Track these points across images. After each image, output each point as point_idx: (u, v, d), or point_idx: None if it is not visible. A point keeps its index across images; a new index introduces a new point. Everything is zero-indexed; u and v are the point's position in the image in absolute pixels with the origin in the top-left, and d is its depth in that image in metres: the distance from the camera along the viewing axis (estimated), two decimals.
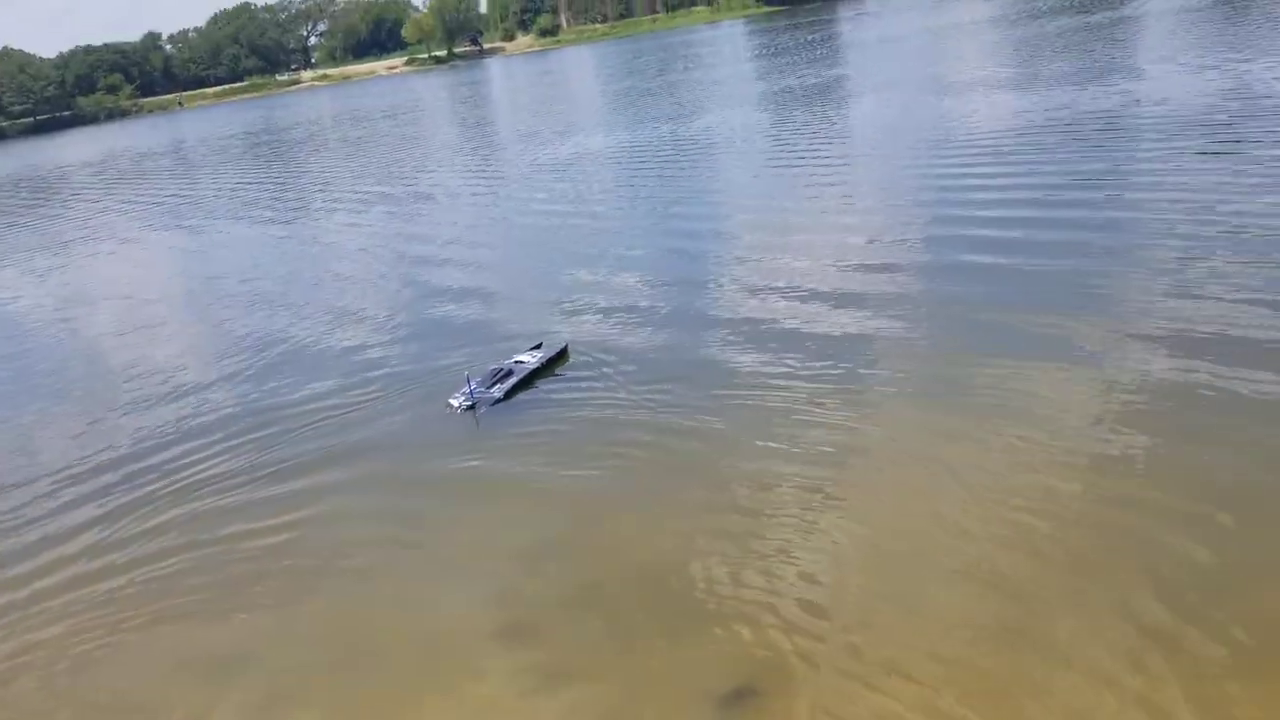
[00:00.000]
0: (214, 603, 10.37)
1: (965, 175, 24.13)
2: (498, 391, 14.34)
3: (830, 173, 27.88)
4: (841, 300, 16.51)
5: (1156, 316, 13.43)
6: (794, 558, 9.42)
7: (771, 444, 11.71)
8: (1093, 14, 63.33)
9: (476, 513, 11.54)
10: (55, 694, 9.34)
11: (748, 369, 14.15)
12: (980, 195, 21.69)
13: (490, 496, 11.85)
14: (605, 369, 14.96)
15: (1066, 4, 74.76)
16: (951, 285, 16.40)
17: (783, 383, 13.42)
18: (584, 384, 14.59)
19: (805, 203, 24.62)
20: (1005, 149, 26.25)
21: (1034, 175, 22.67)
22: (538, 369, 15.02)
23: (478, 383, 14.54)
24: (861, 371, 13.51)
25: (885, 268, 17.92)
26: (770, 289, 17.82)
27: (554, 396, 14.37)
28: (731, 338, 15.66)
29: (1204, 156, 21.60)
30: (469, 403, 14.14)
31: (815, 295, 17.03)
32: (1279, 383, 11.09)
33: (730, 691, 7.78)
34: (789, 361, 14.16)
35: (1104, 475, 9.97)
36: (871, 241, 19.85)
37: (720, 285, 18.78)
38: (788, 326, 15.65)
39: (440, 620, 9.45)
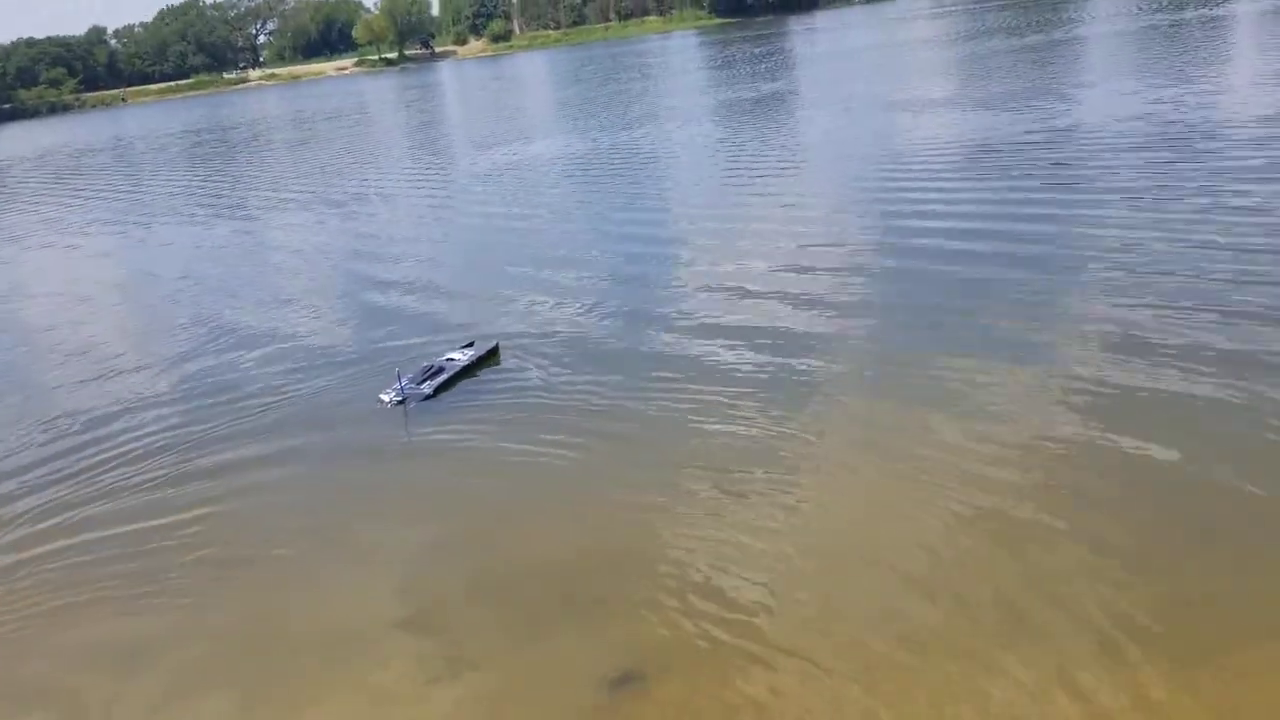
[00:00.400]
0: (127, 591, 10.54)
1: (907, 188, 24.88)
2: (427, 388, 14.72)
3: (773, 183, 28.54)
4: (776, 304, 17.16)
5: (1089, 324, 14.18)
6: (698, 553, 9.81)
7: (692, 442, 12.19)
8: (1027, 36, 64.77)
9: (392, 506, 11.85)
10: None
11: (679, 370, 14.65)
12: (920, 207, 22.39)
13: (408, 491, 12.18)
14: (535, 369, 15.41)
15: (1003, 26, 76.41)
16: (887, 289, 17.28)
17: (712, 383, 13.95)
18: (513, 383, 15.05)
19: (748, 211, 25.16)
20: (945, 164, 27.06)
21: (972, 191, 23.48)
22: (468, 366, 15.45)
23: (409, 379, 14.90)
24: (792, 372, 14.10)
25: (823, 273, 18.61)
26: (707, 293, 18.36)
27: (482, 394, 14.81)
28: (665, 339, 16.17)
29: (1136, 174, 22.37)
30: (399, 398, 14.53)
31: (750, 298, 17.65)
32: (1211, 381, 11.77)
33: (619, 675, 8.18)
34: (720, 362, 14.75)
35: (1031, 470, 10.53)
36: (811, 248, 20.48)
37: (658, 289, 19.28)
38: (723, 328, 16.18)
39: (347, 611, 9.72)
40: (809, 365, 14.29)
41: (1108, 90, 36.57)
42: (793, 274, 18.83)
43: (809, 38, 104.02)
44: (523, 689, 8.27)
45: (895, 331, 15.29)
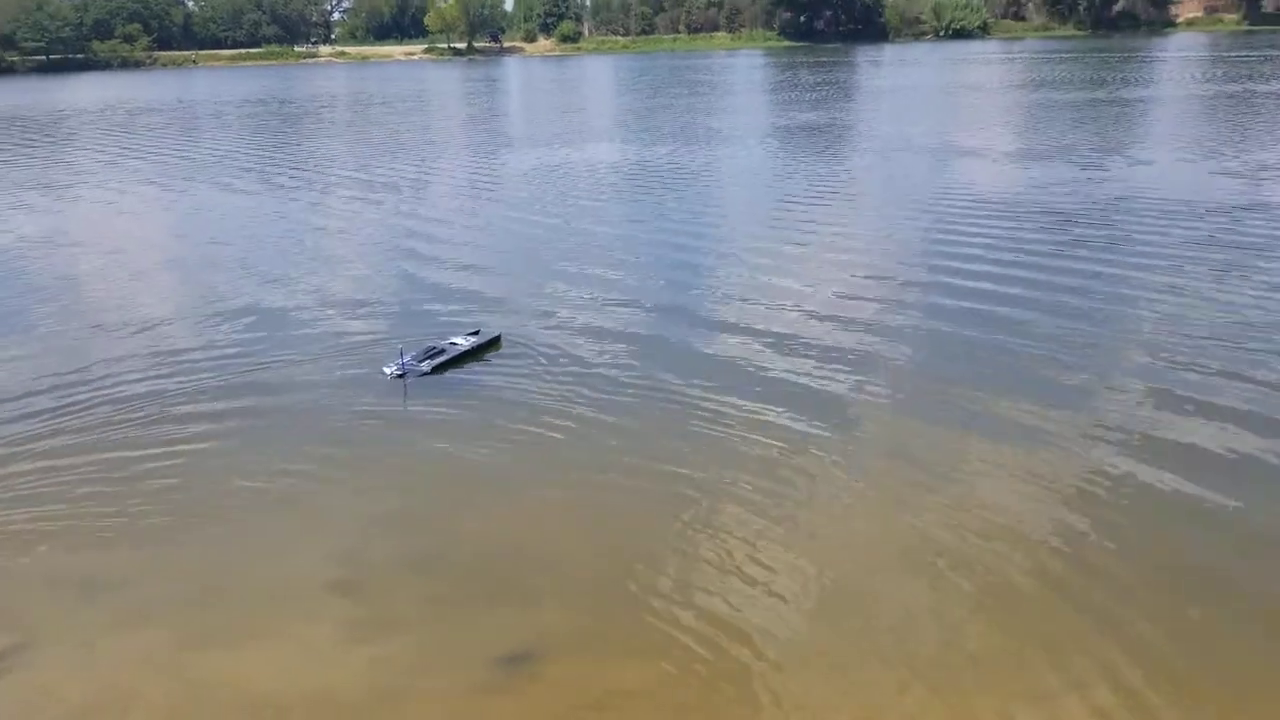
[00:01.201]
0: (92, 524, 11.26)
1: (955, 229, 24.86)
2: (426, 366, 15.62)
3: (820, 209, 28.60)
4: (808, 324, 17.52)
5: (1127, 377, 14.31)
6: (634, 546, 10.44)
7: (679, 446, 12.70)
8: (1093, 91, 64.31)
9: (360, 473, 12.48)
10: None
11: (685, 377, 15.02)
12: (968, 260, 21.56)
13: (381, 460, 12.85)
14: (536, 362, 16.08)
15: (1069, 79, 75.92)
16: (925, 322, 17.51)
17: (721, 394, 14.29)
18: (511, 372, 15.72)
19: (789, 233, 25.31)
20: (995, 211, 26.94)
21: (1021, 239, 23.23)
22: (469, 351, 16.31)
23: (411, 356, 15.79)
24: (815, 391, 14.44)
25: (859, 299, 18.81)
26: (736, 310, 18.63)
27: (479, 378, 15.55)
28: (677, 348, 16.62)
29: (1200, 247, 22.04)
30: (399, 372, 15.37)
31: (782, 317, 17.93)
32: (1231, 492, 11.28)
33: (510, 655, 8.86)
34: (737, 376, 15.12)
35: (1056, 507, 10.90)
36: (850, 275, 20.72)
37: (682, 300, 19.59)
38: (740, 356, 16.18)
39: (289, 566, 10.47)
40: (831, 384, 14.66)
41: (1168, 155, 36.45)
42: (828, 298, 19.07)
43: (874, 70, 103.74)
44: (433, 658, 8.95)
45: (927, 362, 15.60)
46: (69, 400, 14.90)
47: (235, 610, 9.68)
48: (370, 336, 17.76)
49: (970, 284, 19.57)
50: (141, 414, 14.28)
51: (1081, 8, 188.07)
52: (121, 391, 15.23)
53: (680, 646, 8.81)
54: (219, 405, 14.58)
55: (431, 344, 16.44)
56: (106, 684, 8.70)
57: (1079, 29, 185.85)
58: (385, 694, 8.45)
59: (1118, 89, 65.68)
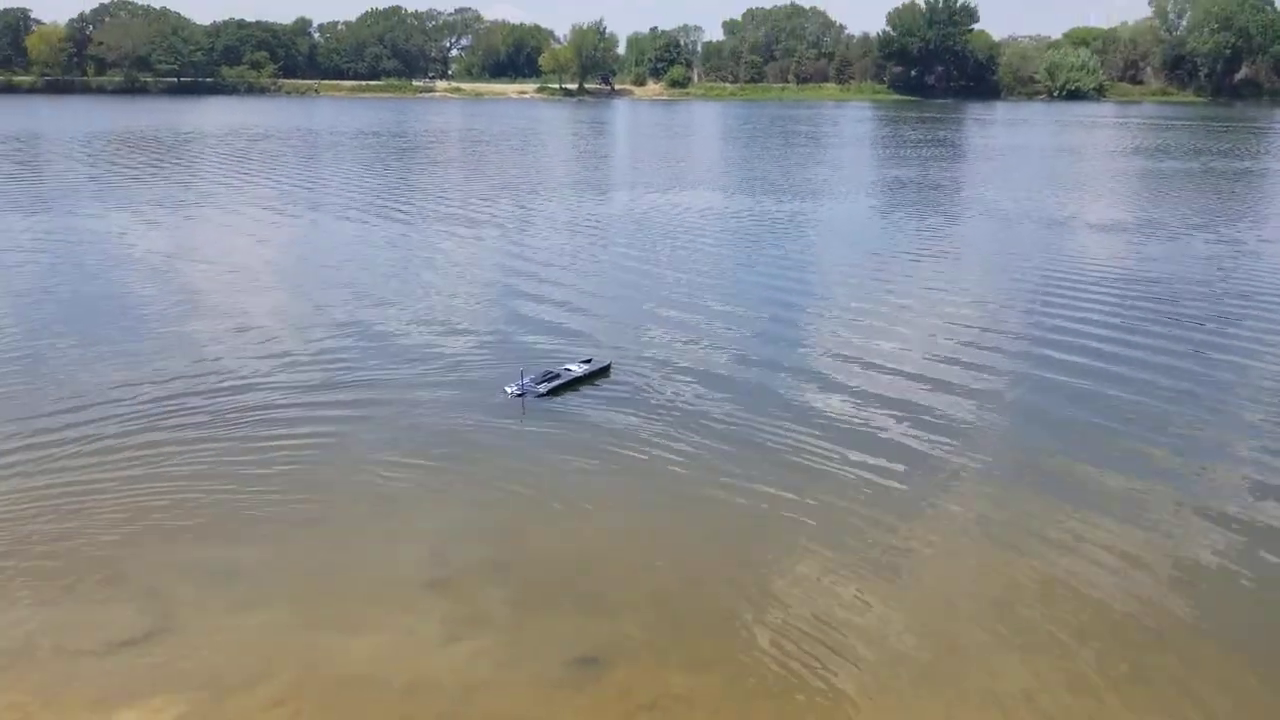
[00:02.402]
0: (228, 520, 12.59)
1: (1060, 297, 24.68)
2: (543, 388, 17.21)
3: (924, 268, 28.95)
4: (903, 381, 18.07)
5: (1222, 496, 13.56)
6: (709, 570, 11.35)
7: (752, 490, 13.44)
8: (1209, 160, 63.16)
9: (470, 481, 13.85)
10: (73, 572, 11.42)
11: (766, 429, 15.71)
12: (1068, 332, 21.43)
13: (490, 470, 14.19)
14: (643, 391, 17.50)
15: (1185, 146, 74.53)
16: (1024, 390, 17.77)
17: (799, 450, 14.85)
18: (620, 399, 17.13)
19: (891, 290, 25.81)
20: (1102, 281, 26.71)
21: (1131, 322, 22.45)
22: (581, 377, 17.86)
23: (530, 378, 17.38)
24: (908, 447, 14.95)
25: (959, 363, 19.05)
26: (834, 359, 19.36)
27: (589, 403, 16.97)
28: (776, 389, 17.49)
29: None
30: (519, 392, 16.98)
31: (879, 370, 18.45)
32: None
33: (581, 657, 9.87)
34: (832, 422, 15.87)
35: (1144, 588, 11.04)
36: (951, 337, 20.99)
37: (781, 345, 20.50)
38: (832, 407, 16.83)
39: (395, 563, 11.65)
40: (919, 441, 15.10)
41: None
42: (924, 358, 19.36)
43: (983, 129, 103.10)
44: (514, 654, 9.93)
45: (1021, 429, 15.90)
46: (208, 401, 16.52)
47: (347, 599, 10.84)
48: (483, 359, 19.35)
49: (1070, 357, 19.45)
50: (269, 417, 15.93)
51: (1202, 74, 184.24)
52: (248, 399, 16.77)
53: (736, 663, 9.67)
54: (340, 411, 16.28)
55: (548, 369, 17.93)
56: (234, 660, 9.81)
57: (1198, 95, 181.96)
58: (470, 684, 9.47)
59: (1237, 160, 64.48)
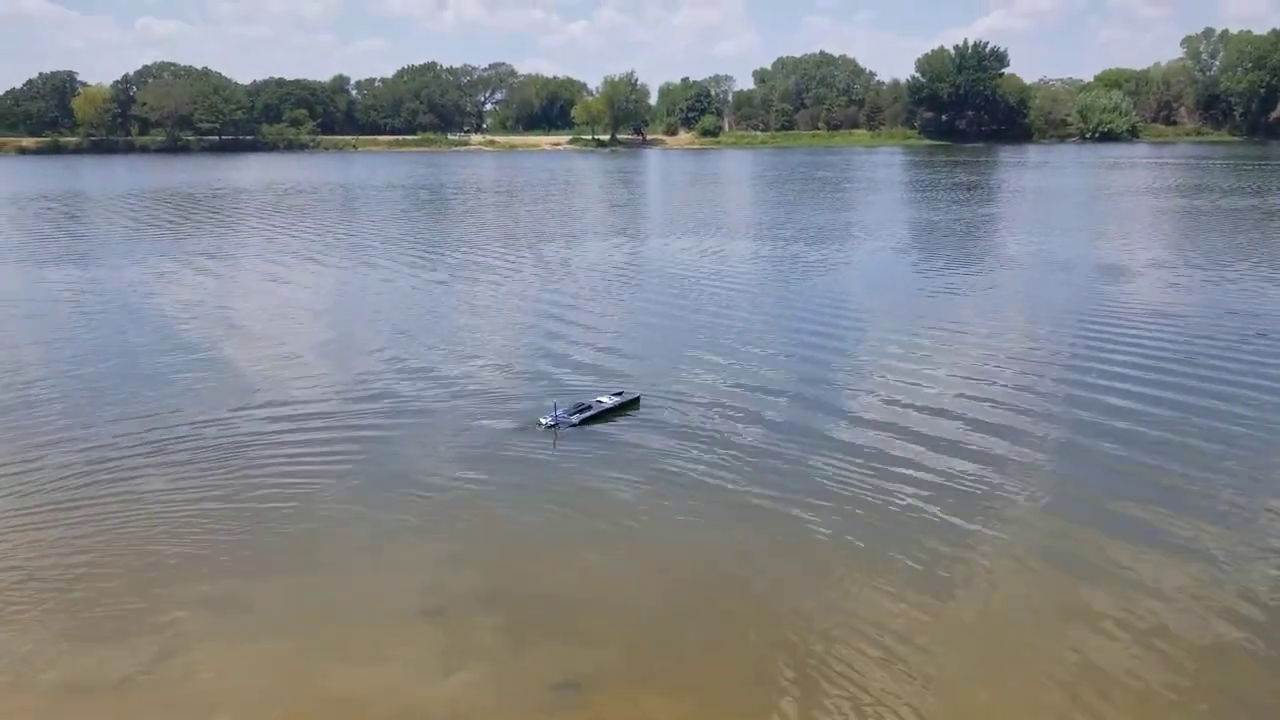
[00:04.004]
0: (232, 552, 12.82)
1: (1100, 340, 23.86)
2: (576, 419, 17.73)
3: (960, 311, 28.11)
4: (941, 422, 17.67)
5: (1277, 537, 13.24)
6: (712, 603, 11.44)
7: (774, 522, 13.55)
8: (1247, 199, 62.43)
9: (486, 516, 14.04)
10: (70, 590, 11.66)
11: (794, 464, 15.71)
12: (1111, 376, 20.68)
13: (516, 499, 14.53)
14: (672, 424, 17.80)
15: (1222, 187, 73.90)
16: (1064, 433, 17.16)
17: (828, 487, 14.73)
18: (647, 430, 17.54)
19: (927, 333, 24.97)
20: (1150, 329, 25.31)
21: (1176, 364, 21.59)
22: (612, 408, 18.35)
23: (563, 410, 17.90)
24: (946, 489, 14.58)
25: (997, 419, 17.94)
26: (859, 412, 18.53)
27: (619, 434, 17.39)
28: (794, 439, 17.02)
29: None
30: (552, 423, 17.52)
31: (901, 428, 17.45)
32: None
33: (560, 682, 10.02)
34: (848, 473, 15.33)
35: (1190, 652, 10.44)
36: (988, 380, 20.44)
37: (812, 385, 20.34)
38: (864, 445, 16.55)
39: (397, 594, 11.81)
40: (964, 484, 14.75)
41: None
42: (959, 400, 18.92)
43: (1016, 172, 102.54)
44: (503, 681, 10.10)
45: (1068, 470, 15.45)
46: (233, 436, 17.00)
47: (349, 629, 11.04)
48: (518, 392, 19.98)
49: (1115, 400, 18.81)
50: (291, 452, 16.44)
51: (1237, 113, 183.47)
52: (254, 431, 17.13)
53: (709, 690, 9.83)
54: (373, 445, 16.83)
55: (581, 401, 18.45)
56: (239, 686, 10.00)
57: (1233, 134, 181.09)
58: (463, 712, 9.59)
59: (1274, 197, 63.66)
